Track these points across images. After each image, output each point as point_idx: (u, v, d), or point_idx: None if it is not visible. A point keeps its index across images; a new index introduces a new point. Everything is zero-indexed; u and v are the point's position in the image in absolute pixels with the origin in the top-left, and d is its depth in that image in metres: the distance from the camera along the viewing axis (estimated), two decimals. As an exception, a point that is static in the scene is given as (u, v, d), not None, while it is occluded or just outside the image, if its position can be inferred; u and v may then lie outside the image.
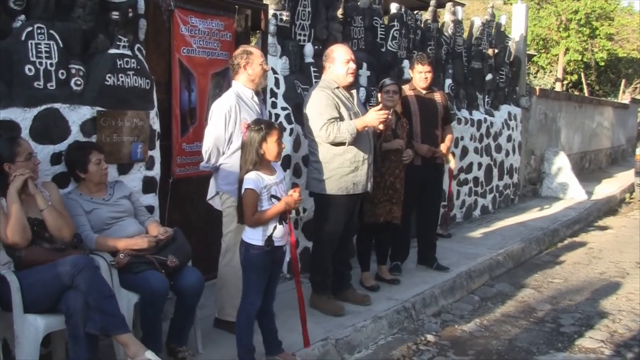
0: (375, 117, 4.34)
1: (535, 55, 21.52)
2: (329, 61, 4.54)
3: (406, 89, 5.59)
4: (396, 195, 5.04)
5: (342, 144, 4.37)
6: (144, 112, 4.13)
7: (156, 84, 4.32)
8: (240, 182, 3.50)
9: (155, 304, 3.41)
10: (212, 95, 4.85)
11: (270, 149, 3.52)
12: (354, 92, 4.62)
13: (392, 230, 5.27)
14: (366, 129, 4.47)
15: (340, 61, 4.48)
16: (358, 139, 4.39)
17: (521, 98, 10.17)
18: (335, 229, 4.49)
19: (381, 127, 4.56)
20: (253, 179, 3.45)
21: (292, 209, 3.54)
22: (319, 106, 4.36)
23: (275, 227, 3.51)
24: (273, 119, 5.18)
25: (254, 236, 3.49)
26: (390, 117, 4.56)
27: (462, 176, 8.31)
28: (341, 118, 4.39)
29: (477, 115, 8.65)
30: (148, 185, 4.24)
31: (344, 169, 4.42)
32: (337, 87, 4.48)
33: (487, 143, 8.87)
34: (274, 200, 3.51)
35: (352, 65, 4.47)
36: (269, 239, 3.48)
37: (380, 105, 4.65)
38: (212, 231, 4.59)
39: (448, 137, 5.75)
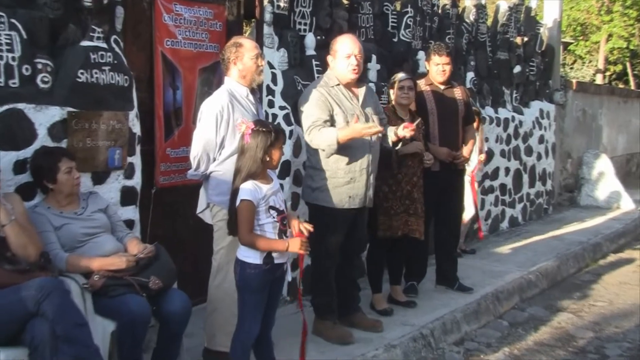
0: (359, 129, 4.29)
1: (571, 43, 21.46)
2: (331, 54, 4.58)
3: (422, 84, 5.61)
4: (414, 205, 5.05)
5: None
6: (122, 113, 4.13)
7: (136, 81, 4.32)
8: (234, 192, 3.50)
9: (135, 332, 3.40)
10: (201, 94, 4.86)
11: (274, 155, 3.56)
12: (361, 89, 4.61)
13: (407, 246, 5.27)
14: (366, 138, 4.41)
15: (341, 55, 4.50)
16: (352, 146, 4.38)
17: (555, 93, 10.18)
18: (333, 243, 4.50)
19: (400, 132, 4.57)
20: (250, 189, 3.45)
21: (297, 252, 3.53)
22: (307, 106, 4.42)
23: (275, 243, 3.52)
24: (270, 120, 5.19)
25: (251, 253, 3.49)
26: (410, 132, 4.56)
27: (487, 183, 8.30)
28: (333, 122, 4.40)
29: (504, 113, 8.65)
30: (127, 196, 4.24)
31: (337, 179, 4.43)
32: (338, 85, 4.50)
33: (515, 145, 8.87)
34: (272, 212, 3.50)
35: (354, 61, 4.46)
36: (268, 256, 3.48)
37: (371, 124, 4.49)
38: (201, 248, 4.58)
39: (470, 139, 5.76)
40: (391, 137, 4.65)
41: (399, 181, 4.99)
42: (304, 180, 4.70)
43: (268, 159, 3.52)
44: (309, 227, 3.58)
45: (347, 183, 4.44)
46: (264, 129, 3.54)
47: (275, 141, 3.55)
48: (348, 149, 4.36)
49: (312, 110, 4.39)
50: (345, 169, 4.43)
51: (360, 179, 4.48)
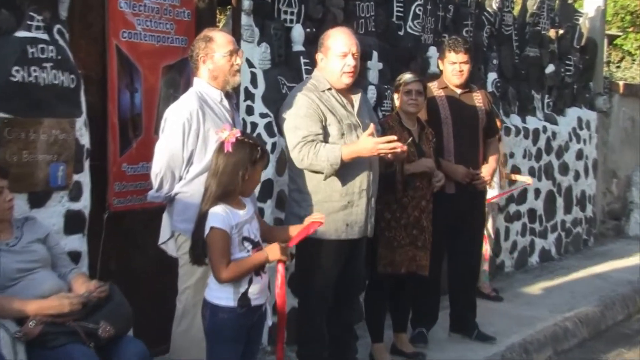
0: (371, 146, 4.34)
1: (618, 36, 21.58)
2: (322, 51, 4.60)
3: (434, 87, 5.66)
4: (422, 236, 5.09)
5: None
6: (67, 121, 4.15)
7: (85, 81, 4.35)
8: (202, 215, 3.53)
9: (80, 391, 3.41)
10: (165, 98, 4.89)
11: (255, 177, 3.62)
12: (356, 96, 4.65)
13: (415, 285, 5.31)
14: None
15: (334, 54, 4.52)
16: (353, 164, 4.41)
17: (597, 98, 10.26)
18: (326, 281, 4.53)
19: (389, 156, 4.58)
20: (222, 214, 3.49)
21: (280, 260, 3.64)
22: (295, 117, 4.42)
23: (251, 280, 3.55)
24: (249, 130, 5.24)
25: (223, 294, 3.53)
26: (402, 147, 4.47)
27: (513, 208, 8.36)
28: (326, 135, 4.43)
29: (534, 122, 8.74)
30: (73, 222, 4.25)
31: (332, 203, 4.46)
32: (329, 89, 4.53)
33: (547, 161, 8.95)
34: (246, 244, 3.56)
35: (350, 62, 4.49)
36: (244, 297, 3.52)
37: (386, 138, 4.48)
38: (163, 287, 4.59)
39: (492, 156, 5.81)
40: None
41: (404, 206, 5.03)
42: (288, 207, 4.71)
43: (247, 178, 3.56)
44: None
45: (343, 208, 4.48)
46: (251, 141, 3.60)
47: (260, 159, 3.60)
48: (344, 166, 4.37)
49: (300, 121, 4.40)
50: (341, 190, 4.46)
51: (360, 202, 4.52)
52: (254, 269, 3.56)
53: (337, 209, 4.46)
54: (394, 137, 4.44)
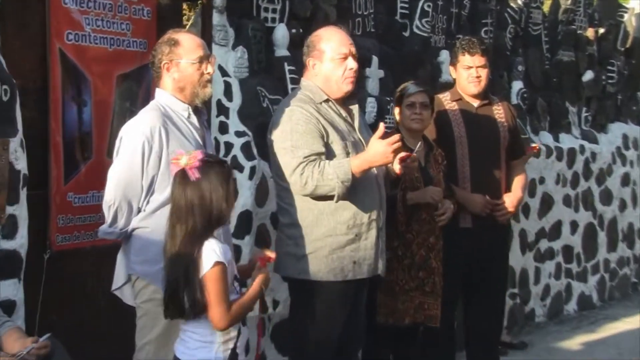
0: (383, 150, 4.32)
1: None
2: (313, 56, 4.59)
3: (445, 99, 5.68)
4: (431, 279, 5.09)
5: (330, 196, 4.43)
6: (-2, 141, 4.18)
7: (21, 93, 4.37)
8: (187, 256, 3.50)
9: None
10: (120, 112, 4.93)
11: (232, 200, 3.65)
12: (355, 107, 4.68)
13: (424, 339, 5.31)
14: (372, 170, 4.50)
15: (331, 57, 4.53)
16: (356, 187, 4.41)
17: (646, 110, 10.31)
18: (325, 335, 4.50)
19: (397, 168, 4.58)
20: (220, 245, 3.52)
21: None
22: (291, 134, 4.40)
23: (239, 332, 3.59)
24: (222, 153, 5.26)
25: (206, 352, 3.53)
26: (413, 155, 4.52)
27: (544, 244, 8.37)
28: (330, 154, 4.44)
29: (569, 141, 8.78)
30: (6, 265, 4.25)
31: (337, 237, 4.45)
32: (327, 100, 4.55)
33: (585, 188, 8.97)
34: (236, 285, 3.60)
35: (352, 64, 4.51)
36: (233, 354, 3.56)
37: (394, 137, 4.46)
38: (118, 342, 4.60)
39: (519, 182, 5.80)
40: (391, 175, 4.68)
41: (408, 243, 5.04)
42: (279, 246, 4.64)
43: (226, 205, 3.59)
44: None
45: (350, 242, 4.46)
46: (217, 160, 3.64)
47: (230, 176, 3.63)
48: (351, 191, 4.38)
49: (299, 138, 4.37)
50: (348, 221, 4.45)
51: (369, 234, 4.52)
52: (252, 307, 3.63)
53: (342, 244, 4.45)
54: (399, 136, 4.39)
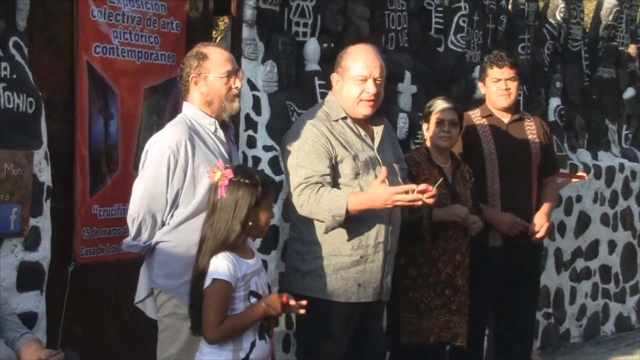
0: (386, 198, 4.24)
1: None
2: (338, 72, 4.59)
3: (475, 115, 5.66)
4: (457, 297, 5.07)
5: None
6: (22, 153, 4.20)
7: (47, 106, 4.41)
8: (200, 271, 3.56)
9: None
10: (147, 125, 4.95)
11: (261, 218, 3.65)
12: (379, 127, 4.62)
13: (450, 357, 5.30)
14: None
15: (351, 76, 4.49)
16: (368, 209, 4.37)
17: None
18: (333, 354, 4.49)
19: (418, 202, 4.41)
20: (227, 263, 3.53)
21: (278, 315, 3.67)
22: (298, 152, 4.41)
23: (253, 344, 3.58)
24: (250, 166, 5.25)
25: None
26: (429, 193, 4.31)
27: (580, 264, 8.29)
28: (337, 175, 4.41)
29: (608, 159, 8.69)
30: (28, 277, 4.27)
31: (341, 257, 4.44)
32: (345, 118, 4.53)
33: (625, 207, 8.88)
34: (252, 300, 3.60)
35: (371, 89, 4.45)
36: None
37: (402, 187, 4.37)
38: (140, 354, 4.61)
39: (548, 201, 5.74)
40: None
41: (433, 261, 5.02)
42: (288, 260, 4.69)
43: (251, 223, 3.59)
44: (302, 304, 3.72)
45: (355, 264, 4.45)
46: (247, 181, 3.61)
47: (262, 199, 3.62)
48: (350, 219, 4.33)
49: (304, 157, 4.38)
50: (353, 242, 4.44)
51: (375, 257, 4.50)
52: (252, 324, 3.59)
53: (347, 265, 4.44)
54: (415, 187, 4.30)
